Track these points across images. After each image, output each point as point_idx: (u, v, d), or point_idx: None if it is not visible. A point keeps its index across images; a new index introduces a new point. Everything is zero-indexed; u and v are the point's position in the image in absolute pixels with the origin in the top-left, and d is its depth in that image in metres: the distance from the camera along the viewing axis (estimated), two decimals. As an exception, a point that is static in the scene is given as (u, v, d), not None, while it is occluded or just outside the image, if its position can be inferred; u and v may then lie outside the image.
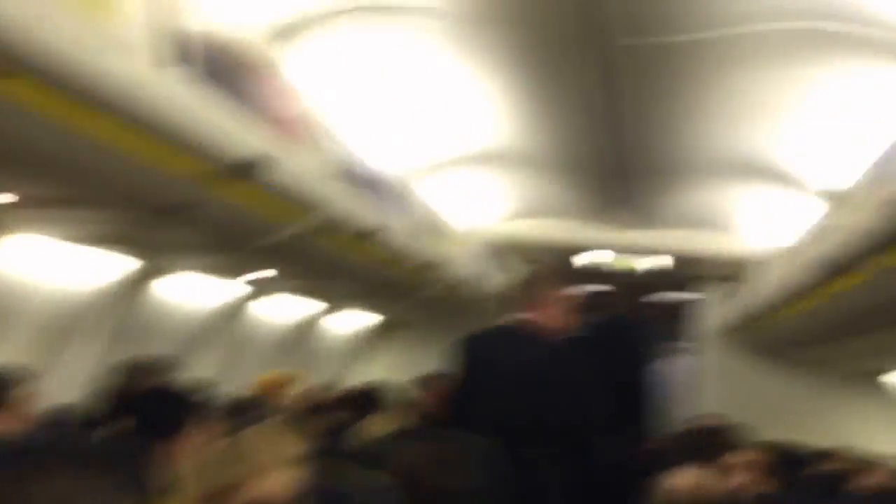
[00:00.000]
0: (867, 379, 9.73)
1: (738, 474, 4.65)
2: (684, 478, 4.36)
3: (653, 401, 6.11)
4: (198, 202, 3.68)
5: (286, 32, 4.73)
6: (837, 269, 5.22)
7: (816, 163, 6.63)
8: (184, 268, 5.34)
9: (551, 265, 6.18)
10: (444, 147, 7.24)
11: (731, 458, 4.75)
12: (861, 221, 4.72)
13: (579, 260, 10.69)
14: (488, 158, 7.53)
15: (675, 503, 3.95)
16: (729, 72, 5.26)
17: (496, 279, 9.12)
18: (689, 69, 5.20)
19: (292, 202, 4.24)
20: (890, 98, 4.99)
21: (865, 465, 5.62)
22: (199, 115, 3.33)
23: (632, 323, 6.51)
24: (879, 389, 9.62)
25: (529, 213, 9.81)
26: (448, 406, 5.31)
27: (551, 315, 4.52)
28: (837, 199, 5.99)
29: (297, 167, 4.17)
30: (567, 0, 4.31)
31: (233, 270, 5.75)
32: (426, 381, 6.88)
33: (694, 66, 5.15)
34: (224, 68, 3.63)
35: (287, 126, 4.14)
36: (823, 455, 6.37)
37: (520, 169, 8.06)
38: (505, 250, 10.27)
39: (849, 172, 5.85)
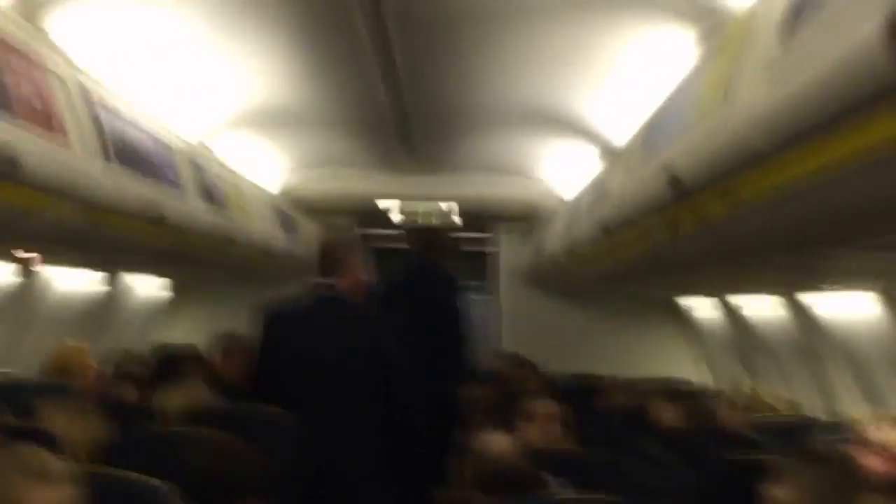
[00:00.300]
0: (663, 305, 9.92)
1: (541, 426, 4.66)
2: (494, 442, 4.33)
3: (461, 347, 6.18)
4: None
5: (35, 7, 4.38)
6: (609, 231, 5.24)
7: (601, 117, 6.64)
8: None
9: (346, 228, 6.05)
10: (228, 113, 7.01)
11: (532, 409, 4.77)
12: (630, 185, 4.71)
13: (374, 208, 10.65)
14: (271, 119, 7.36)
15: (487, 468, 3.91)
16: (505, 31, 5.25)
17: (293, 239, 8.95)
18: (463, 30, 5.20)
19: (50, 193, 3.95)
20: (665, 60, 4.97)
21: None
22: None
23: (435, 274, 6.52)
24: (675, 312, 9.76)
25: (321, 167, 9.67)
26: (247, 374, 5.29)
27: (351, 278, 4.82)
28: (612, 156, 6.01)
29: (53, 156, 3.86)
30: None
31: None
32: (223, 343, 6.74)
33: (468, 27, 5.15)
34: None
35: (40, 113, 3.81)
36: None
37: (306, 128, 7.95)
38: (300, 206, 10.11)
39: (626, 130, 5.87)
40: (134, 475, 3.67)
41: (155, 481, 3.48)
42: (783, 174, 2.83)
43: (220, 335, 6.88)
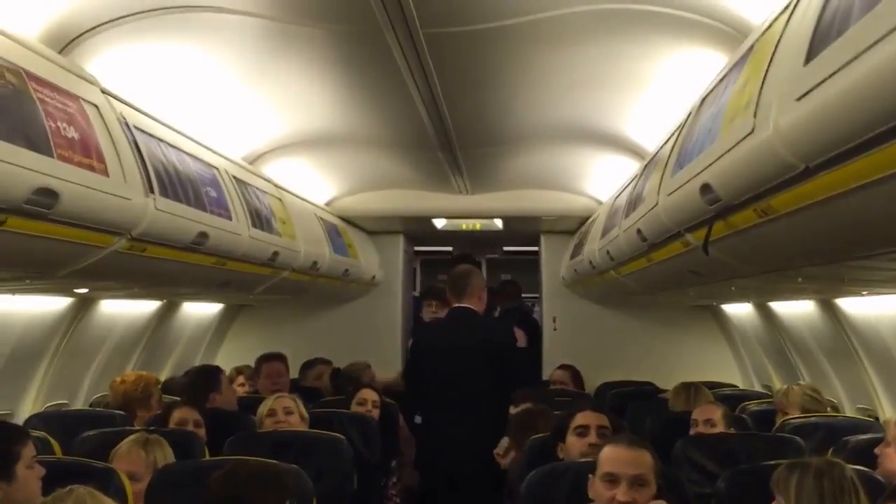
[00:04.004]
0: (705, 311, 9.80)
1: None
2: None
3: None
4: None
5: (67, 38, 4.26)
6: (644, 237, 5.14)
7: (641, 131, 6.61)
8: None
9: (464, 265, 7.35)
10: (273, 138, 6.94)
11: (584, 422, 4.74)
12: (664, 194, 4.60)
13: (422, 226, 10.62)
14: (317, 144, 7.30)
15: None
16: (539, 51, 5.10)
17: (345, 260, 8.86)
18: (499, 51, 5.02)
19: (94, 228, 3.84)
20: (689, 71, 4.85)
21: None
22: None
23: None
24: (718, 317, 9.70)
25: (368, 189, 9.60)
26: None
27: (475, 297, 6.94)
28: (648, 165, 5.87)
29: (94, 190, 3.73)
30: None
31: (53, 289, 5.38)
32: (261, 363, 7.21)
33: (503, 48, 4.97)
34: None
35: (80, 147, 3.68)
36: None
37: (351, 151, 7.88)
38: (352, 224, 10.04)
39: (659, 138, 5.74)
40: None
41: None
42: (811, 189, 2.74)
43: (261, 356, 7.17)
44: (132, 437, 4.68)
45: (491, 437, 6.16)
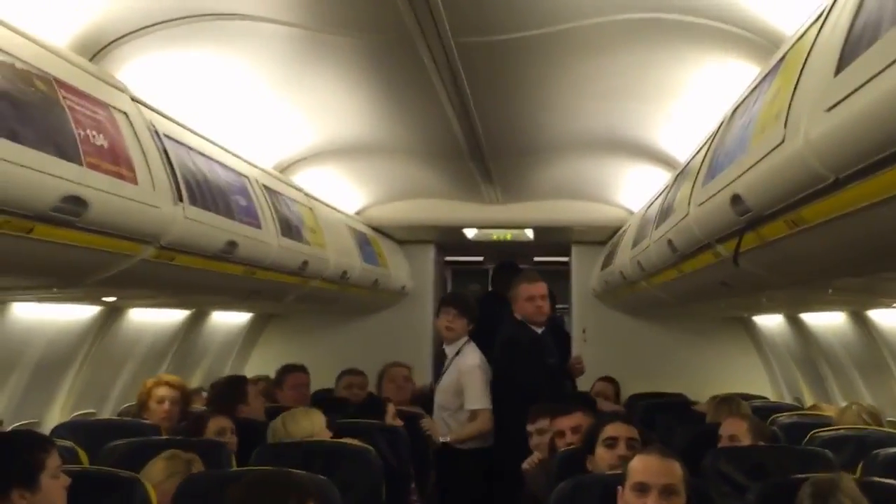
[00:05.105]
0: (736, 322, 9.72)
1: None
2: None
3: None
4: (10, 249, 3.30)
5: (98, 45, 4.27)
6: (675, 247, 5.11)
7: (673, 142, 6.54)
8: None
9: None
10: (304, 147, 6.94)
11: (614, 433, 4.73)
12: (695, 204, 4.58)
13: (452, 235, 10.59)
14: (347, 153, 7.30)
15: None
16: (570, 61, 5.09)
17: (376, 270, 8.86)
18: (530, 60, 4.99)
19: (122, 236, 3.85)
20: (721, 81, 4.83)
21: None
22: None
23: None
24: (748, 328, 9.61)
25: (399, 198, 9.59)
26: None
27: (518, 308, 7.23)
28: (679, 175, 5.84)
29: (123, 198, 3.73)
30: (400, 7, 4.02)
31: (80, 298, 5.40)
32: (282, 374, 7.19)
33: (534, 57, 4.94)
34: (19, 102, 3.08)
35: (109, 155, 3.69)
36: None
37: (382, 160, 7.87)
38: (382, 234, 10.03)
39: (690, 148, 5.72)
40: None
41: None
42: (842, 200, 2.72)
43: (285, 366, 7.17)
44: (170, 462, 4.62)
45: (500, 447, 6.88)
